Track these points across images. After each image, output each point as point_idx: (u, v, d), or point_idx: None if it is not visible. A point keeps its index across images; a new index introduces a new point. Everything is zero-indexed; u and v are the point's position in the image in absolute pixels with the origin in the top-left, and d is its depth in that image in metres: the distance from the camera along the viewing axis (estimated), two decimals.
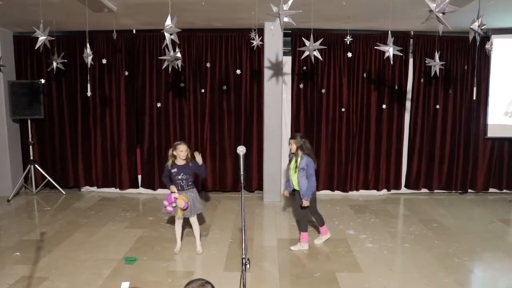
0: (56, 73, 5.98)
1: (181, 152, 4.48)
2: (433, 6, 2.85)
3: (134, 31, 6.90)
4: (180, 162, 4.51)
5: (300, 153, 4.55)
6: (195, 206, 4.55)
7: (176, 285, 3.81)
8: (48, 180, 7.17)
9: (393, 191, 7.34)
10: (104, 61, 6.92)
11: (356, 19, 6.01)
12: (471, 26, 3.41)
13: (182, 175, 4.48)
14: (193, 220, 4.63)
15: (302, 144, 4.54)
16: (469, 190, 7.34)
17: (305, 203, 4.55)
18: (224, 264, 4.33)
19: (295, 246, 4.78)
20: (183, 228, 4.78)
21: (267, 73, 6.58)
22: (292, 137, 4.67)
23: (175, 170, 4.49)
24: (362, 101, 7.08)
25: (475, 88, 5.80)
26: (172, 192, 4.44)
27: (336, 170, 7.19)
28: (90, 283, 3.85)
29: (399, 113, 7.16)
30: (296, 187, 4.67)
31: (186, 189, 4.49)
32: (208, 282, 1.91)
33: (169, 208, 4.47)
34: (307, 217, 4.81)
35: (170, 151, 4.55)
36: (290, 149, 4.64)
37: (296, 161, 4.59)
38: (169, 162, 4.52)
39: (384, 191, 7.33)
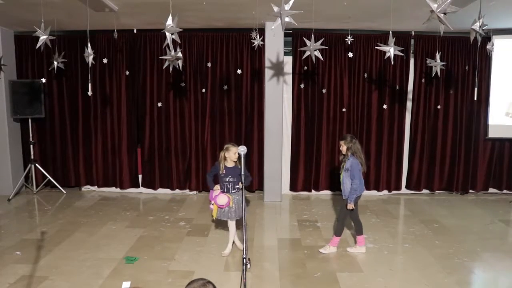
0: (57, 72, 5.99)
1: (233, 154, 4.44)
2: (434, 6, 2.84)
3: (135, 31, 6.90)
4: (229, 164, 4.49)
5: (349, 154, 4.47)
6: (239, 208, 4.47)
7: (176, 285, 3.81)
8: (49, 180, 7.17)
9: (393, 192, 7.33)
10: (105, 60, 6.93)
11: (357, 19, 6.01)
12: (472, 27, 3.41)
13: (230, 177, 4.46)
14: (232, 224, 4.57)
15: (352, 145, 4.45)
16: (470, 191, 7.34)
17: (349, 206, 4.45)
18: (225, 264, 4.33)
19: (351, 248, 4.71)
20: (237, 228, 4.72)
21: (268, 73, 6.58)
22: (342, 138, 4.57)
23: (224, 171, 4.47)
24: (363, 101, 7.08)
25: (476, 89, 5.81)
26: (216, 190, 4.48)
27: (337, 170, 7.18)
28: (90, 282, 3.85)
29: (400, 114, 7.16)
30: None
31: (231, 192, 4.48)
32: (209, 282, 1.91)
33: (211, 206, 4.50)
34: (358, 219, 4.66)
35: (221, 153, 4.53)
36: (341, 151, 4.54)
37: (345, 162, 4.52)
38: (222, 165, 4.49)
39: (385, 192, 7.33)
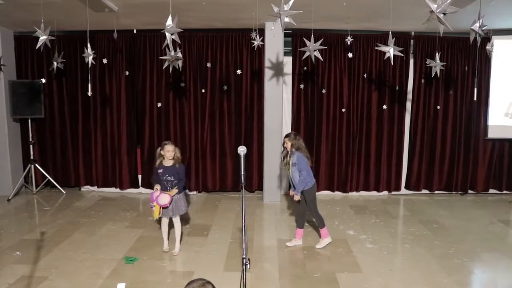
0: (57, 72, 5.99)
1: (167, 152, 4.44)
2: (434, 6, 2.85)
3: (134, 31, 6.90)
4: (167, 163, 4.49)
5: (293, 150, 4.65)
6: (177, 207, 4.51)
7: (176, 285, 3.81)
8: (48, 180, 7.17)
9: (393, 192, 7.34)
10: (104, 60, 6.93)
11: (356, 20, 6.01)
12: (472, 27, 3.41)
13: (167, 176, 4.46)
14: (175, 220, 4.61)
15: (296, 141, 4.64)
16: (470, 191, 7.34)
17: (296, 197, 4.66)
18: (224, 264, 4.33)
19: (290, 242, 4.91)
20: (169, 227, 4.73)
21: (268, 73, 6.58)
22: (287, 135, 4.76)
23: (161, 170, 4.47)
24: (363, 102, 7.08)
25: (475, 89, 5.81)
26: (156, 190, 4.39)
27: (337, 171, 7.19)
28: (90, 283, 3.85)
29: (399, 114, 7.16)
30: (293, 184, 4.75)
31: (169, 191, 4.46)
32: (208, 282, 1.91)
33: (152, 206, 4.41)
34: (305, 215, 4.92)
35: (158, 151, 4.54)
36: (285, 148, 4.71)
37: (289, 158, 4.69)
38: (158, 162, 4.50)
39: (385, 192, 7.33)
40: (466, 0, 4.61)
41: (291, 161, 4.65)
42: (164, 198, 4.36)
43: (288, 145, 4.65)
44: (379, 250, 4.74)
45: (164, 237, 4.67)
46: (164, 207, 4.40)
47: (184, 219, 5.81)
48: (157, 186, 4.40)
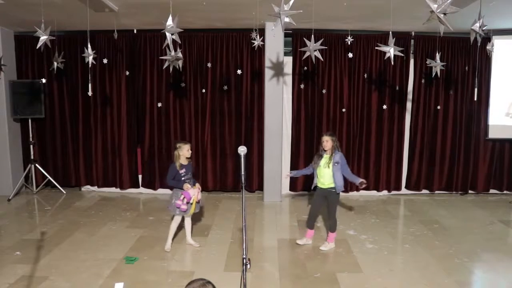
0: (57, 72, 5.98)
1: (187, 151, 4.57)
2: (434, 6, 2.85)
3: (135, 31, 6.90)
4: (184, 161, 4.58)
5: (334, 149, 4.66)
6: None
7: (176, 285, 3.81)
8: (49, 180, 7.17)
9: (393, 192, 7.33)
10: (105, 60, 6.93)
11: (357, 19, 6.01)
12: (472, 27, 3.41)
13: (190, 174, 4.60)
14: (188, 218, 4.73)
15: (337, 142, 4.71)
16: (470, 191, 7.34)
17: (363, 182, 4.69)
18: (225, 264, 4.33)
19: (301, 240, 4.89)
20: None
21: (268, 73, 6.58)
22: (328, 134, 4.74)
23: (183, 170, 4.55)
24: (363, 102, 7.08)
25: (476, 89, 5.82)
26: (187, 189, 4.48)
27: None
28: (90, 282, 3.85)
29: (399, 114, 7.16)
30: (323, 185, 4.69)
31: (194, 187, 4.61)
32: (209, 282, 1.91)
33: (184, 207, 4.49)
34: (317, 217, 4.92)
35: (176, 152, 4.58)
36: (324, 146, 4.67)
37: (330, 157, 4.65)
38: (178, 164, 4.55)
39: (385, 192, 7.33)
40: (466, 0, 4.61)
41: (333, 160, 4.63)
42: (199, 193, 4.58)
43: (329, 144, 4.64)
44: (380, 250, 4.74)
45: (170, 236, 4.69)
46: (197, 202, 4.61)
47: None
48: (187, 185, 4.49)
